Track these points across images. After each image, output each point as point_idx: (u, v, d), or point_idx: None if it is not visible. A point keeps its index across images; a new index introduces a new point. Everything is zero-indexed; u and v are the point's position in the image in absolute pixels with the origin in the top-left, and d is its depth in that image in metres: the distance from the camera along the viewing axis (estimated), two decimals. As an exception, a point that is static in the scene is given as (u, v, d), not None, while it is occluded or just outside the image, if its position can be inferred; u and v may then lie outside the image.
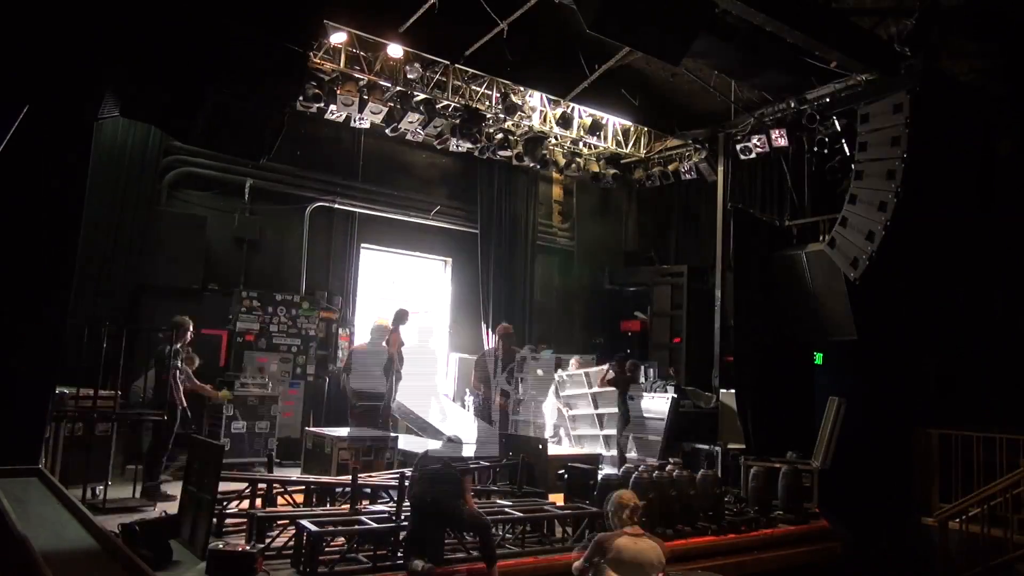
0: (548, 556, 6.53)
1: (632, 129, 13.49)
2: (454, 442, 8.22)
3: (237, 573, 5.40)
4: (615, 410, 10.56)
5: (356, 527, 5.96)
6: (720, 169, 12.77)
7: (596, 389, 11.37)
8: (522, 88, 11.70)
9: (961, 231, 9.52)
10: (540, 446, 8.71)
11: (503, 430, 10.07)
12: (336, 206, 12.25)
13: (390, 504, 6.64)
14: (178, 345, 8.12)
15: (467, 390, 13.04)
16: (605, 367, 10.90)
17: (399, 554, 5.78)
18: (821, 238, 10.56)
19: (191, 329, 8.45)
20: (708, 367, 12.71)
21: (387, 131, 11.50)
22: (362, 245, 12.64)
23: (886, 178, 9.25)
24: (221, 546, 5.55)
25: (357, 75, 10.54)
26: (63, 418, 7.32)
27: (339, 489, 7.23)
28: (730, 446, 10.42)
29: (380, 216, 12.69)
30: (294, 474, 8.60)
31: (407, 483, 6.05)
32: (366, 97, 10.73)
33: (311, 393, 11.16)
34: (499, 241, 13.62)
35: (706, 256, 13.43)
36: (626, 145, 13.54)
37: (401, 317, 10.35)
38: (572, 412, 12.08)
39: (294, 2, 7.19)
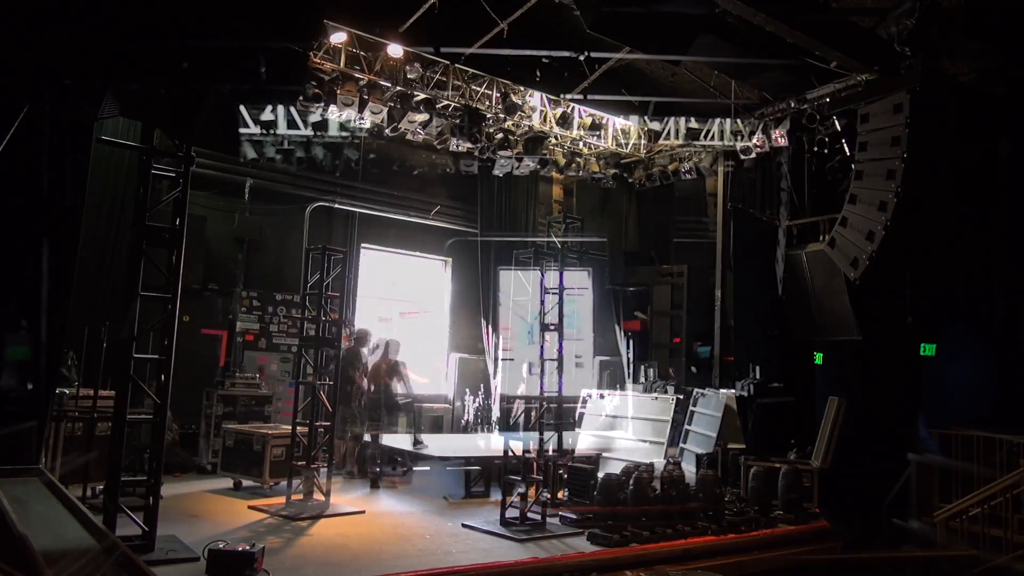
0: (548, 557, 6.56)
1: (632, 129, 13.47)
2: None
3: (237, 572, 5.40)
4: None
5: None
6: (720, 169, 12.77)
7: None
8: (522, 88, 11.70)
9: (961, 231, 9.52)
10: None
11: None
12: (336, 206, 12.25)
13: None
14: None
15: (466, 390, 13.07)
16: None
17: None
18: (821, 238, 10.57)
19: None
20: (708, 367, 12.74)
21: (387, 131, 11.50)
22: (362, 245, 12.64)
23: (886, 178, 9.25)
24: (222, 546, 5.55)
25: (357, 75, 10.53)
26: (63, 418, 7.33)
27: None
28: (730, 446, 10.42)
29: (380, 216, 12.69)
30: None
31: None
32: (366, 97, 10.71)
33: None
34: (499, 241, 13.61)
35: (706, 256, 13.44)
36: (626, 145, 13.53)
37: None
38: None
39: (294, 2, 7.20)
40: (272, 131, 10.62)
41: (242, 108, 10.38)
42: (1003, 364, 9.30)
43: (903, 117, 9.07)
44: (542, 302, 8.78)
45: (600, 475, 8.68)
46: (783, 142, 11.38)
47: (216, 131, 10.13)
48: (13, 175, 5.93)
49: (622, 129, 13.30)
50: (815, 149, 11.21)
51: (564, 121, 12.38)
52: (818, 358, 10.90)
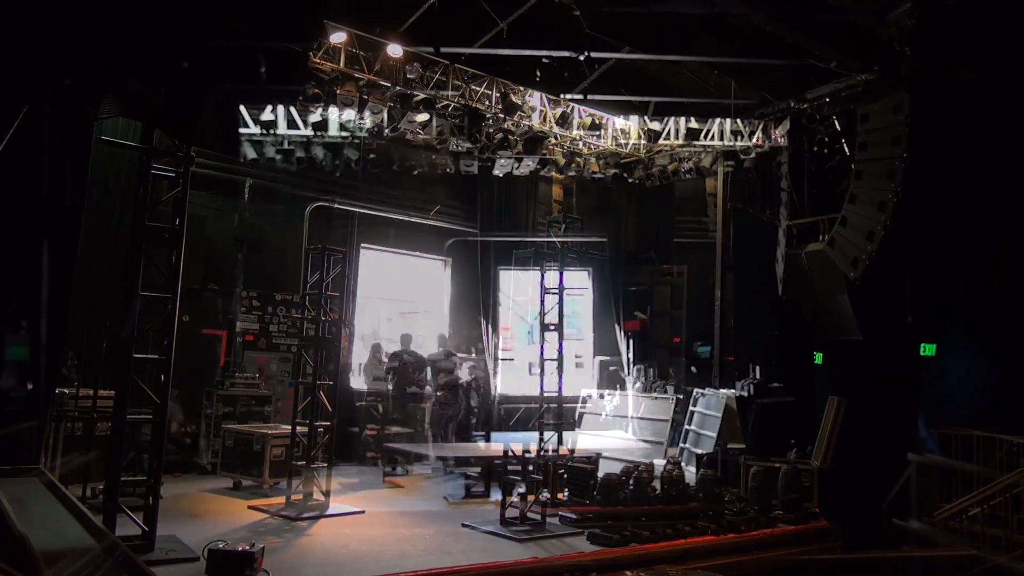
0: (548, 557, 6.56)
1: (632, 129, 13.47)
2: None
3: (237, 572, 5.40)
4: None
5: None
6: (720, 169, 12.77)
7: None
8: (522, 88, 11.69)
9: (961, 231, 9.52)
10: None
11: None
12: (336, 206, 12.25)
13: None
14: None
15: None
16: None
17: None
18: (821, 238, 10.56)
19: None
20: (708, 367, 12.75)
21: (387, 131, 11.49)
22: (362, 245, 12.64)
23: (886, 178, 9.26)
24: (222, 546, 5.55)
25: (357, 75, 10.52)
26: (63, 418, 7.33)
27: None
28: (730, 446, 10.43)
29: (380, 216, 12.70)
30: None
31: None
32: (366, 97, 10.70)
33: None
34: (499, 241, 13.63)
35: (706, 256, 13.44)
36: (626, 145, 13.53)
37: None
38: None
39: (294, 2, 7.21)
40: (272, 131, 10.63)
41: (242, 108, 10.40)
42: (1003, 364, 9.30)
43: (903, 117, 9.08)
44: (542, 302, 8.79)
45: (600, 475, 8.70)
46: (783, 142, 11.38)
47: (216, 131, 10.14)
48: (13, 175, 5.94)
49: (622, 129, 13.28)
50: (815, 149, 11.20)
51: (564, 121, 12.37)
52: (818, 358, 10.90)
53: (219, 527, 6.98)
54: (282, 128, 10.70)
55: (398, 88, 10.79)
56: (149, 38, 6.28)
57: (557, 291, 8.89)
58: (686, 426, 11.84)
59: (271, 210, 11.67)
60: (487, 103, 11.48)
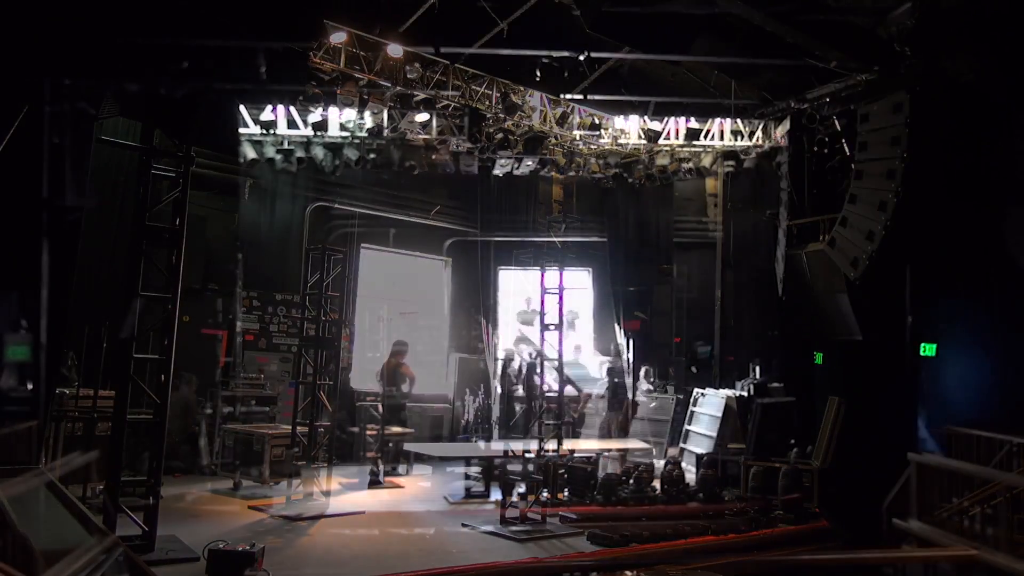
0: (548, 557, 6.56)
1: (632, 129, 13.45)
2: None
3: (237, 572, 5.40)
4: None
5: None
6: (720, 169, 12.77)
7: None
8: (522, 88, 11.68)
9: (961, 231, 9.52)
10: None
11: None
12: (336, 206, 12.25)
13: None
14: None
15: (466, 390, 13.09)
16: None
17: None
18: (821, 238, 10.57)
19: None
20: (708, 367, 12.75)
21: (387, 131, 11.49)
22: (362, 245, 12.64)
23: (886, 178, 9.27)
24: (222, 546, 5.55)
25: (357, 75, 10.52)
26: (63, 418, 7.33)
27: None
28: (730, 446, 10.43)
29: (380, 216, 12.70)
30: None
31: None
32: (366, 97, 10.71)
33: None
34: (499, 241, 13.63)
35: (706, 256, 13.44)
36: (626, 145, 13.51)
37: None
38: None
39: (294, 2, 7.21)
40: (272, 131, 10.63)
41: (242, 108, 10.40)
42: (1003, 364, 9.30)
43: (903, 117, 9.09)
44: (542, 302, 8.78)
45: (600, 475, 8.71)
46: (783, 142, 11.38)
47: (216, 131, 10.13)
48: (13, 175, 5.94)
49: (622, 129, 13.27)
50: (815, 149, 11.21)
51: (564, 121, 12.36)
52: (818, 358, 10.90)
53: (219, 527, 6.99)
54: (282, 128, 10.70)
55: (398, 88, 10.78)
56: (149, 38, 6.28)
57: (557, 291, 8.88)
58: (686, 426, 11.84)
59: (271, 210, 11.67)
60: (487, 103, 11.47)
